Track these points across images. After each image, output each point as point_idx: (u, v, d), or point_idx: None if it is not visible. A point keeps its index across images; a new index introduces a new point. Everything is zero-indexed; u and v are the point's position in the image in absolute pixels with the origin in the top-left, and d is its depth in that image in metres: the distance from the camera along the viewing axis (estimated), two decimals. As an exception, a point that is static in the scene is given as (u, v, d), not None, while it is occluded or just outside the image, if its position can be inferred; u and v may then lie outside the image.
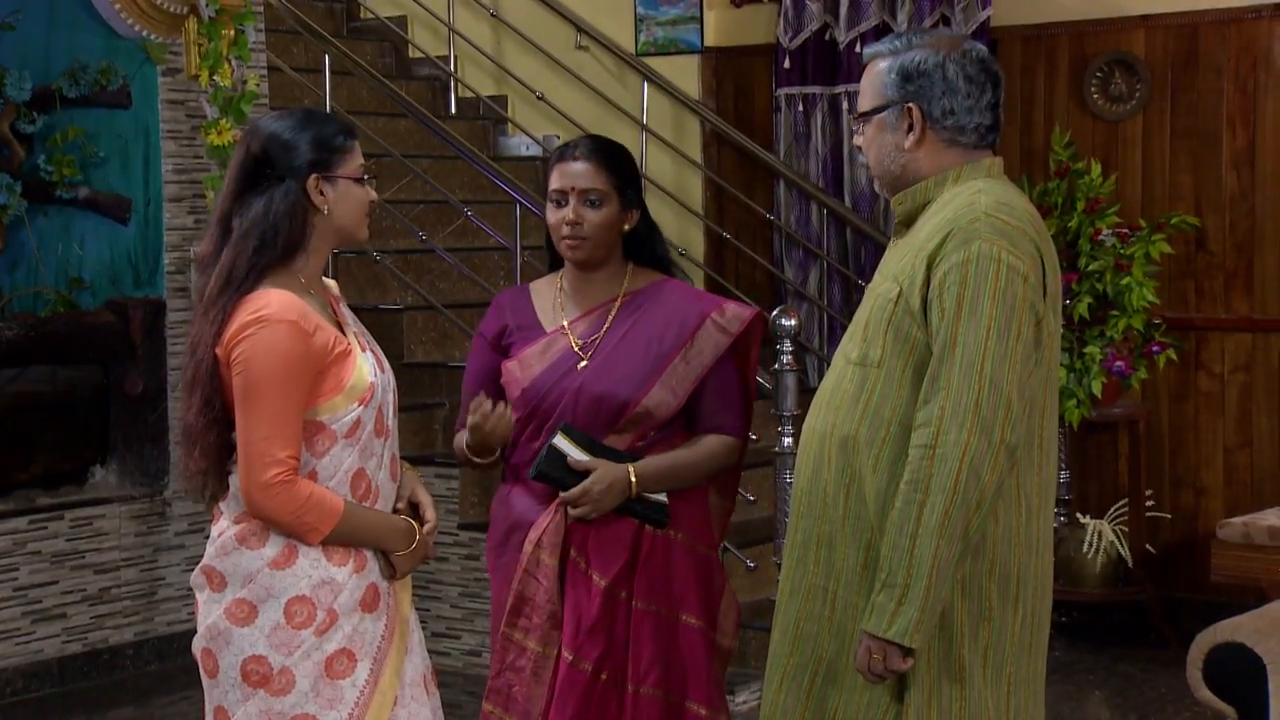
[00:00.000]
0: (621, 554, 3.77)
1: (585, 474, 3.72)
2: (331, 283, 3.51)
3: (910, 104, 3.21)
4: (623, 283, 3.89)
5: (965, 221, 3.10)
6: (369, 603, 3.35)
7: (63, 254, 6.82)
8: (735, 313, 3.85)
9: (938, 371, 3.07)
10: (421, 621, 6.42)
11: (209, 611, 3.34)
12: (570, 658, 3.74)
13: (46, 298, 6.78)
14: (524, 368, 3.83)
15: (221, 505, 3.38)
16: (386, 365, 3.45)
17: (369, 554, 3.37)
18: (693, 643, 3.83)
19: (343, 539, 3.31)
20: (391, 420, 3.43)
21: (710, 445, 3.85)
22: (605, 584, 3.76)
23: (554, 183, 3.84)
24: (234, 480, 3.33)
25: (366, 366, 3.36)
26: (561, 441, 3.71)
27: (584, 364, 3.80)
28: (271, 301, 3.25)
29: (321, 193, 3.33)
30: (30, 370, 6.49)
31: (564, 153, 3.86)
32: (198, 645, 3.35)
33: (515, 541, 3.83)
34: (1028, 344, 3.08)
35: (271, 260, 3.29)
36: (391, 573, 3.40)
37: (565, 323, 3.86)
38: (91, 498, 6.49)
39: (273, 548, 3.29)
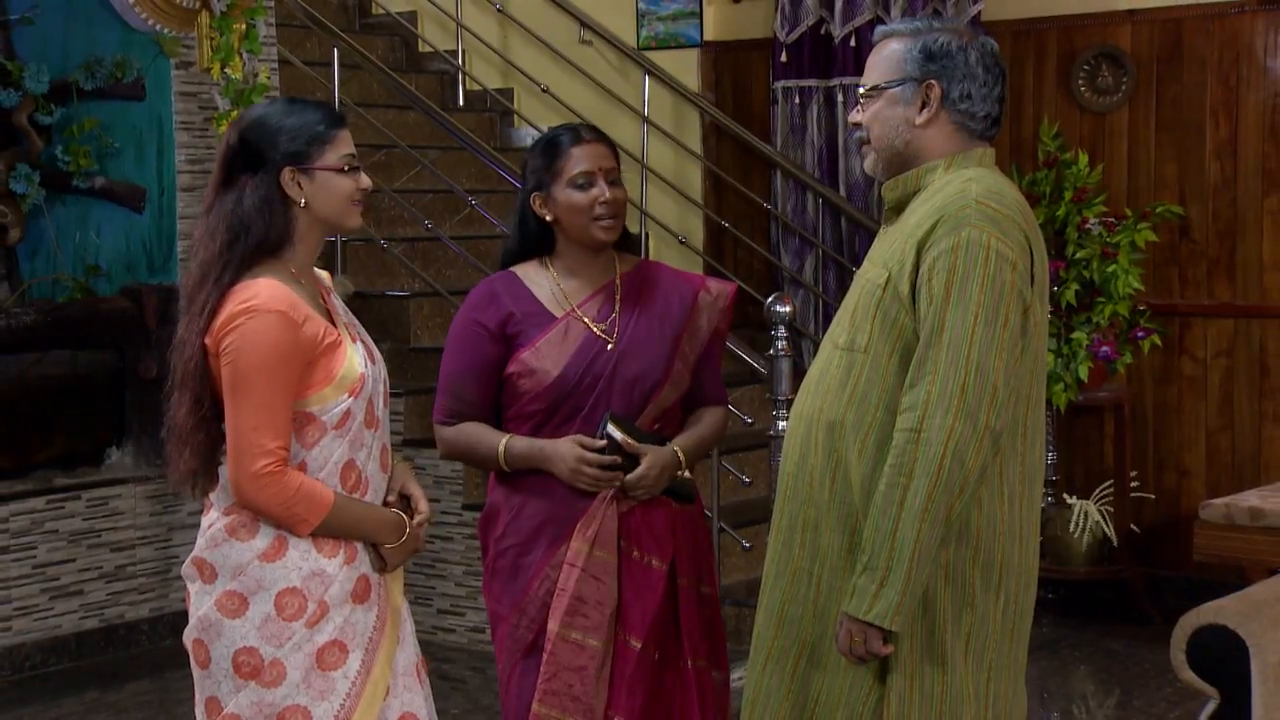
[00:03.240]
0: (668, 537, 3.78)
1: (636, 460, 3.71)
2: (324, 273, 3.44)
3: (932, 80, 3.19)
4: (614, 264, 3.85)
5: (955, 208, 3.09)
6: (360, 594, 3.30)
7: (80, 242, 6.88)
8: (719, 288, 3.91)
9: (924, 356, 3.05)
10: (427, 599, 6.66)
11: (200, 603, 3.29)
12: (638, 646, 3.70)
13: (64, 284, 6.83)
14: (546, 356, 3.73)
15: (211, 496, 3.32)
16: (378, 356, 3.39)
17: (359, 545, 3.31)
18: (714, 610, 3.90)
19: (332, 531, 3.25)
20: (382, 411, 3.36)
21: (715, 417, 3.90)
22: (665, 569, 3.76)
23: (577, 165, 3.73)
24: (223, 471, 3.27)
25: (357, 358, 3.29)
26: (614, 430, 3.67)
27: (611, 346, 3.75)
28: (260, 292, 3.19)
29: (299, 185, 3.25)
30: (49, 355, 6.55)
31: (576, 136, 3.77)
32: (189, 636, 3.31)
33: (547, 538, 3.75)
34: (1015, 331, 3.06)
35: (249, 252, 3.22)
36: (382, 565, 3.35)
37: (574, 306, 3.78)
38: (108, 478, 6.55)
39: (263, 539, 3.24)
